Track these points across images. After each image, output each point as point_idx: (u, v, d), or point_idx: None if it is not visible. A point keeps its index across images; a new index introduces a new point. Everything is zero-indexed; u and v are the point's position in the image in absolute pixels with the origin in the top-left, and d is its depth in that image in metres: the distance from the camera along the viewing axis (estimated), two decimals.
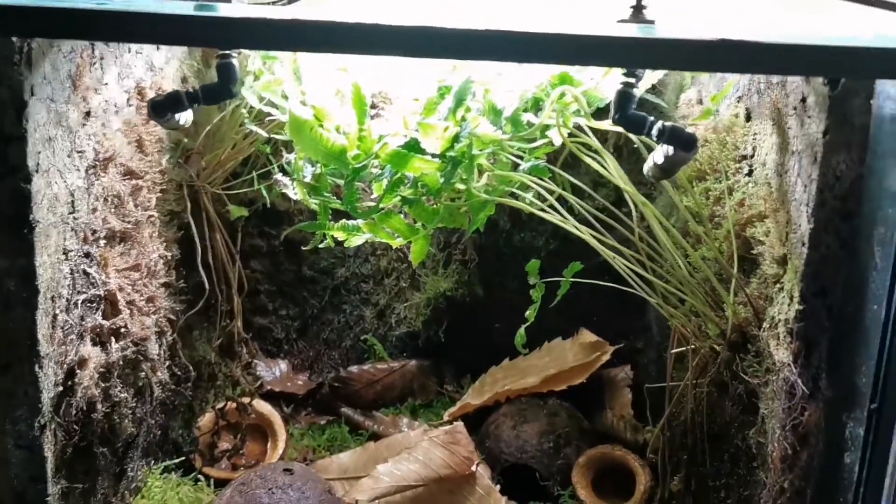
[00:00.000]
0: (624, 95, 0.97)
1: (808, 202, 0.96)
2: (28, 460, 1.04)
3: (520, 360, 1.74)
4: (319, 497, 1.41)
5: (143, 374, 1.24)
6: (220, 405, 1.58)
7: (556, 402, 1.65)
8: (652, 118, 0.97)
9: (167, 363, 1.39)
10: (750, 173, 1.16)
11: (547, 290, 1.27)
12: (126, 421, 1.20)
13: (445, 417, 1.72)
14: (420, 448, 1.56)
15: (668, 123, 0.96)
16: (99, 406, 1.13)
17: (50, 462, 1.06)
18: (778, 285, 1.04)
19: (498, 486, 1.53)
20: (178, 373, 1.44)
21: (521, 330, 1.28)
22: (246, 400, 1.59)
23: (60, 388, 1.06)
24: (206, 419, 1.58)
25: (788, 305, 1.00)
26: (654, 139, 0.97)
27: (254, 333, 1.78)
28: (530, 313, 1.25)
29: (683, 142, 0.96)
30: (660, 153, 1.03)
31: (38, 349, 1.01)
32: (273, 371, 1.78)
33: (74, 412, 1.09)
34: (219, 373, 1.61)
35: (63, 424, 1.08)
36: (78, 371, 1.09)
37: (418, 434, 1.62)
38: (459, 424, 1.60)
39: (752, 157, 1.16)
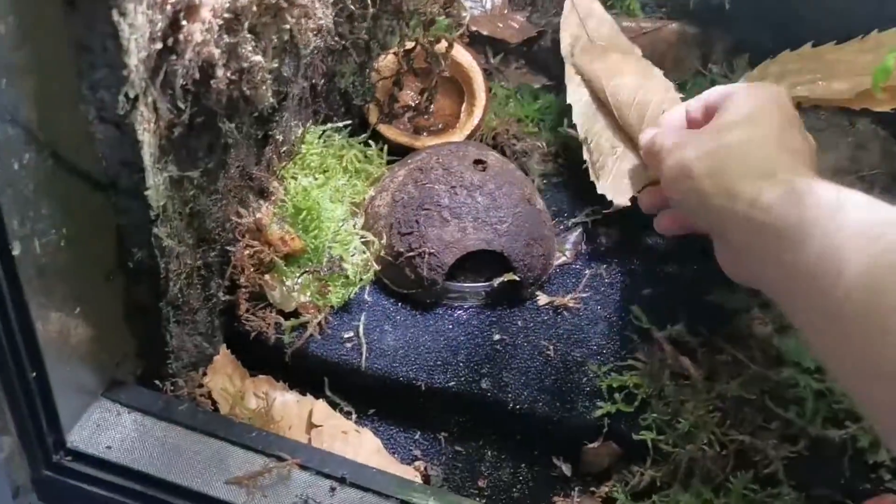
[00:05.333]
0: None
1: None
2: (116, 141, 0.73)
3: (828, 48, 1.20)
4: (514, 208, 1.06)
5: (289, 25, 0.84)
6: (406, 47, 1.19)
7: (872, 126, 1.14)
8: None
9: None
10: None
11: None
12: (264, 88, 0.84)
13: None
14: None
15: None
16: (220, 72, 0.76)
17: (149, 145, 0.74)
18: None
19: None
20: (352, 6, 1.03)
21: (891, 57, 0.75)
22: (441, 46, 1.19)
23: (159, 45, 0.70)
24: (385, 61, 1.20)
25: None
26: None
27: None
28: None
29: None
30: None
31: None
32: (482, 1, 1.34)
33: (182, 81, 0.73)
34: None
35: (166, 97, 0.73)
36: (185, 22, 0.71)
37: None
38: None
39: None
